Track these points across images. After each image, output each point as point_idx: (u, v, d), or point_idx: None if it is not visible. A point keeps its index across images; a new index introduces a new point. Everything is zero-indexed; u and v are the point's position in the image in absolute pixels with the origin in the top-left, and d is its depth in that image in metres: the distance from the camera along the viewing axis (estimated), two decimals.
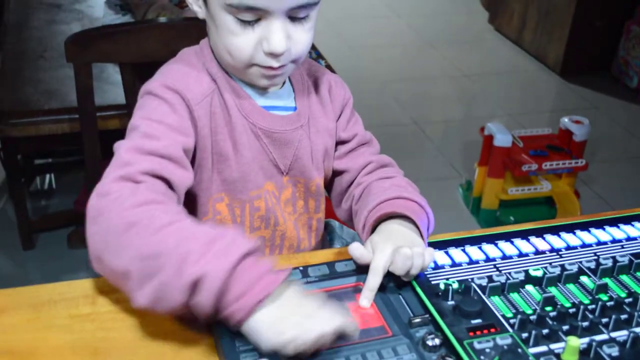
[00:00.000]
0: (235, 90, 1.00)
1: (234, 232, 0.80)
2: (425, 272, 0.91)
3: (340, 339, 0.78)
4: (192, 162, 0.98)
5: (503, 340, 0.79)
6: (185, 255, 0.76)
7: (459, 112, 3.48)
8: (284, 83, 1.05)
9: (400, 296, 0.88)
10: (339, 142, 1.12)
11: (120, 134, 1.87)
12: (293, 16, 0.92)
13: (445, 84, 3.74)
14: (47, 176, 2.80)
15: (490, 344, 0.79)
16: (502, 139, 2.49)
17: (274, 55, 0.93)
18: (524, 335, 0.80)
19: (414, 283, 0.88)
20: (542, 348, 0.79)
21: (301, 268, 0.91)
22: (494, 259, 0.94)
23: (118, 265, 0.80)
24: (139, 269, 0.78)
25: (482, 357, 0.77)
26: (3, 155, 2.36)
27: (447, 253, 0.94)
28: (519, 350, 0.78)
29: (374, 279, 0.87)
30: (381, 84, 3.66)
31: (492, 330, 0.81)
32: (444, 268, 0.92)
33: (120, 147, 0.91)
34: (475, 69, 3.93)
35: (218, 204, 1.03)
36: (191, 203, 1.02)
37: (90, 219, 0.83)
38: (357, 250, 0.90)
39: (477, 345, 0.79)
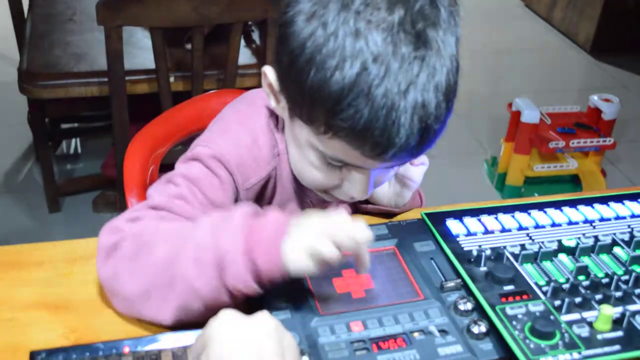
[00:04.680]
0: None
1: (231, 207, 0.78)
2: (458, 239, 0.90)
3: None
4: None
5: (535, 307, 0.79)
6: (197, 247, 0.74)
7: (486, 87, 3.44)
8: None
9: (433, 261, 0.88)
10: None
11: (149, 98, 1.88)
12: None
13: (472, 59, 3.69)
14: (74, 141, 2.82)
15: (523, 310, 0.79)
16: (530, 115, 2.46)
17: (353, 199, 0.86)
18: (557, 302, 0.80)
19: (446, 249, 0.88)
20: (575, 316, 0.78)
21: None
22: (526, 228, 0.93)
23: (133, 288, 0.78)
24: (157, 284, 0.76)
25: (514, 323, 0.77)
26: (30, 118, 2.38)
27: (479, 220, 0.94)
28: (552, 317, 0.78)
29: None
30: None
31: (525, 297, 0.81)
32: (476, 235, 0.91)
33: (155, 193, 0.85)
34: (503, 44, 3.88)
35: None
36: None
37: (105, 252, 0.80)
38: None
39: (509, 311, 0.78)
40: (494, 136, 2.89)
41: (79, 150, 2.77)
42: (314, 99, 0.74)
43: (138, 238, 0.78)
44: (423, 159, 0.95)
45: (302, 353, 0.73)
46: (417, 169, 0.96)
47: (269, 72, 0.83)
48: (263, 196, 0.94)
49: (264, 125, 0.90)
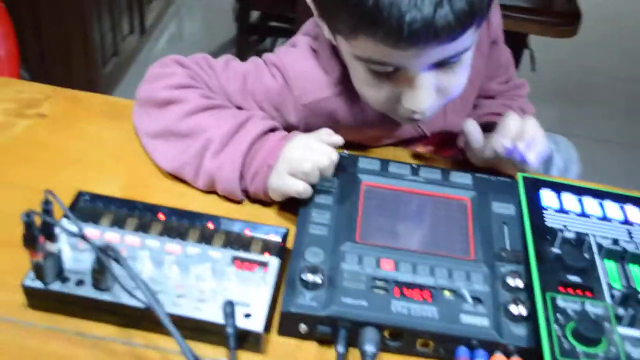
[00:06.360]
0: None
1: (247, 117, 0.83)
2: (544, 212, 0.80)
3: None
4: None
5: (593, 308, 0.68)
6: (205, 147, 0.81)
7: None
8: None
9: (504, 226, 0.79)
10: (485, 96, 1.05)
11: None
12: (439, 63, 0.77)
13: None
14: (280, 40, 2.89)
15: (577, 306, 0.68)
16: None
17: (417, 112, 0.80)
18: (621, 311, 0.68)
19: (526, 217, 0.78)
20: (635, 332, 0.67)
21: (414, 165, 0.85)
22: (632, 224, 0.80)
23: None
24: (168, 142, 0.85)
25: (558, 315, 0.67)
26: (236, 8, 2.45)
27: (580, 200, 0.82)
28: (606, 324, 0.66)
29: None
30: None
31: (588, 293, 0.70)
32: (567, 214, 0.80)
33: (221, 59, 0.91)
34: None
35: None
36: None
37: (145, 81, 0.89)
38: (473, 125, 0.87)
39: (560, 302, 0.68)
40: None
41: None
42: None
43: (174, 94, 0.84)
44: (540, 147, 0.84)
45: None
46: (532, 155, 0.83)
47: (309, 1, 0.82)
48: (337, 121, 0.90)
49: (335, 55, 0.88)
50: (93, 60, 2.31)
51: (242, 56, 2.37)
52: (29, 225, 0.63)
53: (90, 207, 0.76)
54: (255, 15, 2.59)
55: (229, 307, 0.66)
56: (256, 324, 0.66)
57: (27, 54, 2.16)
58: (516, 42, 1.96)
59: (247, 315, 0.67)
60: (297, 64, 0.88)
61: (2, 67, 1.52)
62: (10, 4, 1.89)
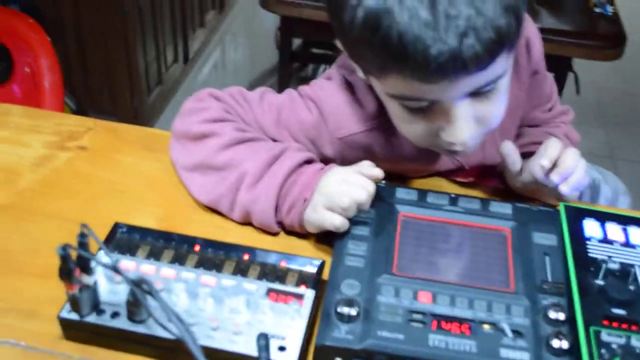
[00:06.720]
0: None
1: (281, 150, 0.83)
2: (588, 242, 0.77)
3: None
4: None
5: (639, 343, 0.66)
6: (240, 180, 0.82)
7: None
8: None
9: (546, 257, 0.77)
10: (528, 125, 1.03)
11: None
12: (474, 92, 0.75)
13: None
14: (322, 67, 2.90)
15: (622, 340, 0.66)
16: None
17: (457, 144, 0.78)
18: None
19: (568, 248, 0.76)
20: None
21: (452, 195, 0.84)
22: None
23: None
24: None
25: (602, 351, 0.65)
26: (278, 35, 2.47)
27: (624, 230, 0.80)
28: None
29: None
30: None
31: (633, 327, 0.67)
32: (612, 244, 0.78)
33: (256, 92, 0.90)
34: None
35: None
36: None
37: (180, 115, 0.90)
38: (510, 147, 0.86)
39: (604, 337, 0.66)
40: None
41: None
42: (356, 41, 0.73)
43: (209, 128, 0.85)
44: (576, 178, 0.82)
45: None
46: (565, 187, 0.82)
47: (338, 44, 0.80)
48: (370, 147, 0.89)
49: (371, 89, 0.86)
50: (138, 89, 2.35)
51: (284, 83, 2.40)
52: (65, 258, 0.63)
53: (127, 239, 0.76)
54: (297, 42, 2.61)
55: (263, 340, 0.65)
56: (290, 357, 0.66)
57: (72, 83, 2.22)
58: (560, 66, 1.93)
59: (282, 348, 0.66)
60: (332, 97, 0.88)
61: (46, 99, 1.56)
62: (56, 35, 1.94)
